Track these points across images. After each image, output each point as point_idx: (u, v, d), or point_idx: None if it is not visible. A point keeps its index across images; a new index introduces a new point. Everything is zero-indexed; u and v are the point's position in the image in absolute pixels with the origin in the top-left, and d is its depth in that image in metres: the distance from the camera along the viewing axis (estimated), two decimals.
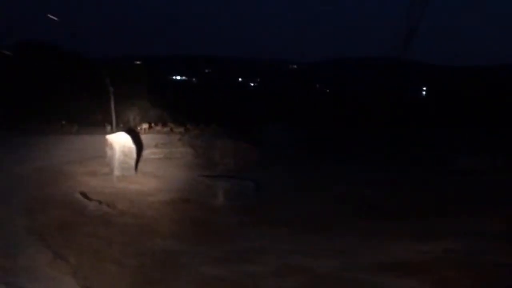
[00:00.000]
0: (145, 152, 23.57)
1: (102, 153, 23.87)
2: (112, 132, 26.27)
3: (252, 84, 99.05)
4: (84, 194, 16.43)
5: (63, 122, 35.18)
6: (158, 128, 33.93)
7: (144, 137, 27.36)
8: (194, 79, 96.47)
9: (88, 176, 20.72)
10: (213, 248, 12.04)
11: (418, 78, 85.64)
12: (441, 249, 12.32)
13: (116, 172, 20.69)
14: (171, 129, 33.17)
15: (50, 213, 14.48)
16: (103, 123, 34.61)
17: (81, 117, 35.95)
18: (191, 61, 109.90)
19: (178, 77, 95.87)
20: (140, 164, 22.19)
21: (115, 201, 16.47)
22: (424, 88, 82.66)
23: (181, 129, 32.81)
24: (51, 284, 9.55)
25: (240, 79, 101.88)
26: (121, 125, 34.22)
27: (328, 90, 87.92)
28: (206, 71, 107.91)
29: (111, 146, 21.36)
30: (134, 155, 21.23)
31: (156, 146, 26.42)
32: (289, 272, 10.56)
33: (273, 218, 15.19)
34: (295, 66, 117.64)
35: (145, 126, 34.12)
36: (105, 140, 22.17)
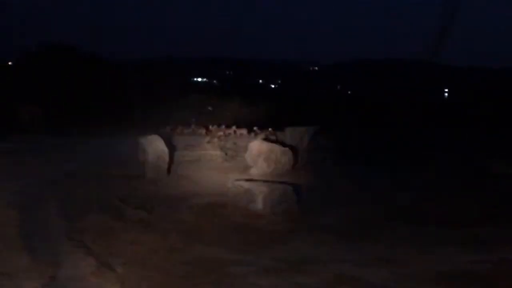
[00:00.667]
0: (174, 154, 23.07)
1: (133, 156, 23.64)
2: (144, 134, 25.87)
3: (272, 86, 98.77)
4: (121, 199, 15.97)
5: (93, 124, 34.80)
6: (187, 130, 33.41)
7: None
8: (214, 81, 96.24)
9: (121, 179, 20.32)
10: (261, 257, 11.54)
11: (445, 79, 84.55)
12: (497, 259, 11.65)
13: (149, 175, 20.32)
14: (199, 131, 32.63)
15: (88, 218, 14.08)
16: (133, 126, 34.36)
17: (111, 119, 35.59)
18: (211, 63, 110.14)
19: (199, 79, 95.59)
20: (171, 167, 21.68)
21: (151, 205, 16.07)
22: (446, 90, 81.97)
23: (210, 131, 32.26)
24: None
25: (260, 81, 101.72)
26: (152, 127, 33.86)
27: (349, 92, 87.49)
28: (227, 73, 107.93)
29: (143, 149, 21.00)
30: (167, 158, 20.86)
31: (185, 148, 25.97)
32: (342, 283, 10.03)
33: (316, 224, 14.65)
34: (316, 68, 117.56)
35: (173, 128, 33.70)
36: (137, 143, 21.83)
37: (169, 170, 21.00)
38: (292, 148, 24.30)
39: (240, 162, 25.10)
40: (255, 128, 30.63)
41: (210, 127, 33.01)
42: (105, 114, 36.39)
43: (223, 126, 32.94)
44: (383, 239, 13.39)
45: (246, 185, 16.73)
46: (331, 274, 10.53)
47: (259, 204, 15.64)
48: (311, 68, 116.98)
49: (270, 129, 31.87)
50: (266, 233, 13.64)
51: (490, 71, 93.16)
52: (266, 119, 40.13)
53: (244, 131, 32.06)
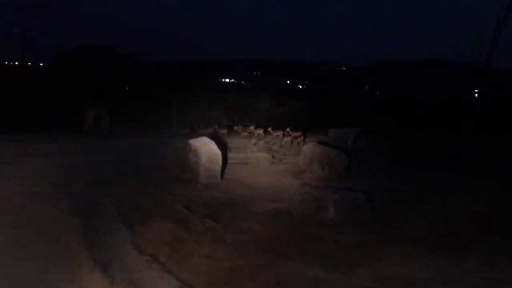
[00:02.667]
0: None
1: (177, 158, 22.56)
2: (191, 136, 24.81)
3: (300, 86, 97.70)
4: (186, 206, 14.77)
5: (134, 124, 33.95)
6: (232, 132, 32.44)
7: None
8: (243, 82, 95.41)
9: (172, 183, 19.17)
10: (352, 276, 10.23)
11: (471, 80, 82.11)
12: None
13: (202, 180, 19.13)
14: (244, 133, 31.56)
15: (152, 226, 12.87)
16: (172, 126, 33.54)
17: (150, 119, 34.60)
18: (239, 64, 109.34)
19: (227, 80, 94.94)
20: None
21: (213, 213, 14.84)
22: (476, 91, 79.78)
23: (256, 133, 31.15)
24: None
25: (288, 81, 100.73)
26: (195, 129, 32.94)
27: (378, 92, 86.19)
28: (254, 73, 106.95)
29: (195, 152, 19.80)
30: (220, 161, 19.60)
31: (232, 151, 24.86)
32: None
33: (394, 236, 13.24)
34: (343, 68, 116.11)
35: (220, 129, 32.84)
36: (188, 146, 20.67)
37: (222, 173, 19.71)
38: (347, 151, 23.05)
39: (289, 165, 23.89)
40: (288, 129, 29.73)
41: (252, 129, 32.01)
42: (144, 114, 35.41)
43: (270, 129, 31.98)
44: (477, 253, 11.93)
45: (314, 192, 15.40)
46: None
47: (330, 213, 14.31)
48: (339, 69, 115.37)
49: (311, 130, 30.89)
50: (345, 247, 12.27)
51: None
52: (297, 120, 39.07)
53: (279, 132, 31.03)
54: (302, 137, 29.37)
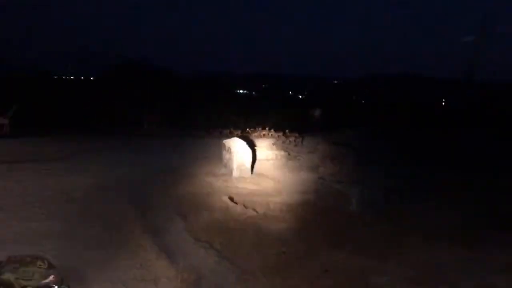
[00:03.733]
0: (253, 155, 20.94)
1: (209, 155, 21.71)
2: (225, 137, 23.99)
3: (300, 96, 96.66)
4: (230, 197, 13.83)
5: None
6: (255, 133, 31.50)
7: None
8: (253, 93, 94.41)
9: (209, 176, 18.31)
10: (387, 263, 9.26)
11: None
12: None
13: (235, 174, 18.28)
14: (264, 135, 30.60)
15: (203, 216, 11.94)
16: (202, 129, 32.74)
17: (185, 123, 33.70)
18: (250, 77, 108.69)
19: (241, 91, 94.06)
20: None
21: (250, 203, 13.89)
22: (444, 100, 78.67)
23: (273, 135, 30.16)
24: None
25: (290, 92, 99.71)
26: (224, 131, 32.08)
27: (363, 101, 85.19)
28: (263, 86, 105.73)
29: (229, 150, 18.95)
30: (250, 158, 18.69)
31: (257, 149, 23.94)
32: None
33: (410, 226, 12.23)
34: (335, 81, 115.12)
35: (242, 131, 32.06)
36: (222, 145, 19.85)
37: (252, 169, 18.82)
38: (354, 149, 22.05)
39: (303, 161, 22.90)
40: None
41: (268, 130, 31.20)
42: (180, 119, 34.61)
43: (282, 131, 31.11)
44: (499, 245, 10.83)
45: (337, 186, 14.42)
46: (473, 284, 8.20)
47: (353, 205, 13.33)
48: (332, 82, 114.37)
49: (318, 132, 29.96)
50: (373, 235, 11.30)
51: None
52: (301, 124, 38.21)
53: (295, 134, 30.12)
54: (300, 138, 28.47)
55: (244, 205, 13.14)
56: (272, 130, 32.36)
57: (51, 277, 4.68)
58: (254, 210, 12.90)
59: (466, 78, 30.43)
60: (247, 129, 33.09)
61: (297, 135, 28.94)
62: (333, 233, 11.22)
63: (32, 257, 5.17)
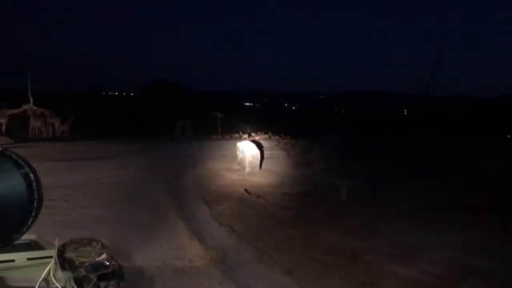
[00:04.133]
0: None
1: (222, 154, 21.31)
2: (236, 140, 23.65)
3: (294, 108, 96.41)
4: (245, 189, 13.41)
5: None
6: (260, 136, 31.11)
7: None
8: (257, 105, 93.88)
9: (226, 171, 17.94)
10: (376, 243, 8.83)
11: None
12: None
13: (247, 170, 17.98)
14: (269, 138, 30.16)
15: (224, 204, 11.53)
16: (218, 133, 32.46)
17: (205, 129, 33.22)
18: (254, 93, 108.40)
19: (247, 104, 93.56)
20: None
21: (260, 193, 13.50)
22: (405, 110, 78.03)
23: (276, 138, 29.70)
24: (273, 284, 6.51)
25: (286, 104, 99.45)
26: (235, 135, 31.73)
27: (343, 112, 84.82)
28: (264, 99, 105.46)
29: (242, 151, 18.63)
30: (259, 157, 18.39)
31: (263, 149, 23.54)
32: (464, 271, 7.29)
33: (391, 211, 11.80)
34: (321, 96, 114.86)
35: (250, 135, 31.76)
36: (237, 146, 19.52)
37: (260, 166, 18.42)
38: (336, 150, 21.66)
39: (299, 159, 22.43)
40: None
41: (270, 134, 30.81)
42: (202, 126, 34.17)
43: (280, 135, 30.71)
44: (459, 226, 10.40)
45: (329, 179, 14.02)
46: (443, 261, 7.86)
47: (343, 195, 12.90)
48: (319, 96, 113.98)
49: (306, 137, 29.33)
50: (362, 220, 10.87)
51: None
52: (293, 130, 37.90)
53: (288, 137, 29.62)
54: (292, 140, 28.01)
55: (257, 195, 12.68)
56: (270, 133, 32.15)
57: (104, 255, 4.72)
58: (264, 199, 12.49)
59: (425, 92, 30.01)
60: (252, 133, 32.79)
61: (289, 138, 28.49)
62: (329, 218, 10.83)
63: (89, 239, 5.16)
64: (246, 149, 18.37)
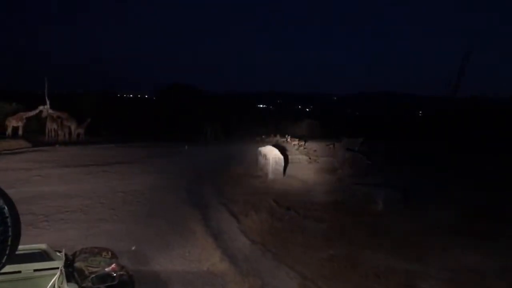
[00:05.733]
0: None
1: (241, 159, 20.40)
2: (255, 143, 22.71)
3: (307, 109, 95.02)
4: (274, 200, 12.41)
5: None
6: (282, 140, 30.14)
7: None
8: (271, 107, 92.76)
9: (248, 177, 17.03)
10: (431, 267, 7.78)
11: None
12: None
13: (270, 176, 16.99)
14: (287, 141, 29.11)
15: (252, 216, 10.57)
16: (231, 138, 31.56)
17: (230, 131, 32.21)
18: (268, 94, 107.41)
19: (261, 105, 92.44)
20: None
21: (288, 203, 12.50)
22: (420, 112, 76.29)
23: (296, 141, 28.65)
24: None
25: (299, 106, 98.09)
26: (255, 138, 30.79)
27: (357, 113, 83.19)
28: (278, 101, 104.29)
29: (265, 156, 17.64)
30: (283, 162, 17.37)
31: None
32: None
33: (434, 225, 10.70)
34: (335, 98, 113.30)
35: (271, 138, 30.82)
36: (258, 151, 18.53)
37: (284, 172, 17.42)
38: (366, 155, 20.50)
39: (322, 164, 21.38)
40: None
41: (289, 138, 29.77)
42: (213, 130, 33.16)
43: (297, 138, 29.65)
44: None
45: (364, 189, 12.95)
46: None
47: (379, 206, 11.83)
48: (332, 98, 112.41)
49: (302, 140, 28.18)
50: (406, 235, 9.78)
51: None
52: (311, 133, 36.81)
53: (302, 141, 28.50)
54: (303, 143, 26.93)
55: (287, 207, 11.69)
56: (288, 136, 31.10)
57: (113, 265, 4.49)
58: (296, 211, 11.47)
59: (451, 94, 28.64)
60: (275, 135, 31.77)
61: (303, 142, 27.43)
62: (368, 234, 9.76)
63: (99, 249, 4.90)
64: (269, 154, 17.37)
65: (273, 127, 38.26)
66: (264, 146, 18.90)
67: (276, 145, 19.99)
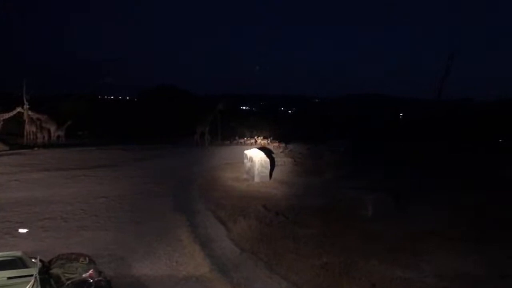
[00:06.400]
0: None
1: (226, 162, 19.94)
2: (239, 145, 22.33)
3: (289, 112, 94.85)
4: (264, 205, 12.03)
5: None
6: (263, 142, 29.89)
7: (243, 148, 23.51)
8: (253, 109, 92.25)
9: (234, 181, 16.65)
10: (421, 273, 7.53)
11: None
12: None
13: (256, 179, 16.69)
14: (272, 143, 28.84)
15: (241, 222, 10.18)
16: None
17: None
18: (251, 97, 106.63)
19: (244, 107, 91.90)
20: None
21: (277, 208, 12.14)
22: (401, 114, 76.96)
23: (276, 143, 28.36)
24: None
25: (282, 108, 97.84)
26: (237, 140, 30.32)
27: (338, 115, 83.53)
28: (261, 103, 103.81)
29: (251, 159, 17.28)
30: (269, 165, 17.03)
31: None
32: None
33: (424, 229, 10.47)
34: (317, 100, 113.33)
35: (252, 140, 30.38)
36: (244, 154, 18.13)
37: (270, 175, 17.08)
38: (350, 158, 20.41)
39: (307, 167, 21.11)
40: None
41: (276, 141, 29.51)
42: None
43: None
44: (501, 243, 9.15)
45: (352, 193, 12.70)
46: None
47: (369, 211, 11.60)
48: (314, 100, 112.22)
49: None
50: (397, 240, 9.54)
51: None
52: (292, 134, 36.58)
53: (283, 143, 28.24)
54: (284, 145, 26.79)
55: (276, 212, 11.34)
56: (269, 139, 30.85)
57: (90, 271, 4.67)
58: (284, 216, 11.14)
59: (436, 96, 28.85)
60: (255, 138, 31.43)
61: (284, 144, 27.20)
62: (360, 240, 9.49)
63: (76, 255, 5.09)
64: (255, 157, 17.01)
65: (254, 129, 37.95)
66: (249, 149, 18.56)
67: (262, 148, 19.62)
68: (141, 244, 8.21)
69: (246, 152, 18.18)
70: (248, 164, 17.67)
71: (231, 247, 8.37)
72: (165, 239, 8.68)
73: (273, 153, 19.54)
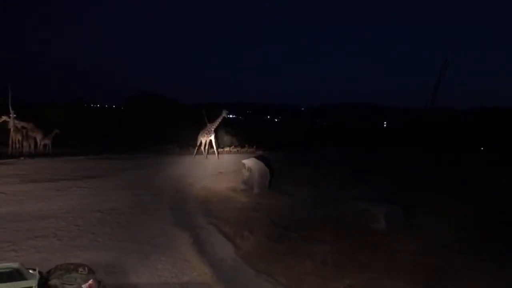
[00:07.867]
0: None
1: (218, 171, 19.56)
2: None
3: (276, 120, 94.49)
4: (271, 220, 11.27)
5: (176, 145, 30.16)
6: (237, 149, 29.45)
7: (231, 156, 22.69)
8: (240, 117, 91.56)
9: (232, 192, 15.81)
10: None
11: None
12: None
13: (256, 190, 15.83)
14: (248, 150, 28.27)
15: (249, 238, 9.42)
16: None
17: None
18: (238, 105, 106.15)
19: (231, 116, 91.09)
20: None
21: (283, 221, 11.40)
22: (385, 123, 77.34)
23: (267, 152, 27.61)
24: None
25: (268, 117, 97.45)
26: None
27: (324, 123, 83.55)
28: (248, 111, 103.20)
29: (249, 169, 16.46)
30: (268, 175, 16.27)
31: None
32: None
33: (436, 243, 9.89)
34: (303, 108, 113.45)
35: (230, 148, 29.86)
36: (242, 164, 17.28)
37: (269, 185, 16.34)
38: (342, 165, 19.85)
39: (303, 176, 20.34)
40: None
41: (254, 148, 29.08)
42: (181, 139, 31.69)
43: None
44: None
45: (363, 205, 12.05)
46: None
47: (381, 224, 10.96)
48: (300, 108, 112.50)
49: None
50: (411, 256, 8.92)
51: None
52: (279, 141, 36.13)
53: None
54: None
55: (284, 227, 10.59)
56: (255, 147, 30.28)
57: (90, 281, 4.55)
58: (292, 230, 10.42)
59: (429, 105, 28.75)
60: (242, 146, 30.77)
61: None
62: (378, 257, 8.82)
63: (75, 265, 4.96)
64: (254, 168, 16.25)
65: (241, 137, 37.17)
66: (250, 159, 17.72)
67: (259, 157, 18.86)
68: (147, 266, 7.36)
69: (244, 161, 17.35)
70: (246, 174, 16.87)
71: (244, 268, 7.60)
72: (171, 259, 7.85)
73: (270, 162, 18.77)
